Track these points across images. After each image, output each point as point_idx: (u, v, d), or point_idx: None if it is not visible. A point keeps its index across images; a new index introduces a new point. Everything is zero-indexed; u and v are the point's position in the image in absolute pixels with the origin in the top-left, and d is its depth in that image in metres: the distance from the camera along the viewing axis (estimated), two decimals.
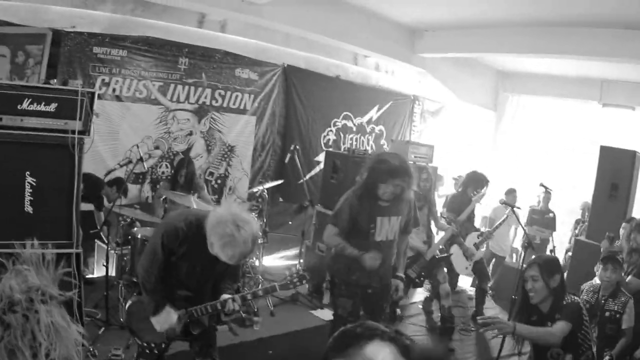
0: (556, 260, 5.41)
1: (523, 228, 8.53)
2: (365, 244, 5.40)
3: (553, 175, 12.67)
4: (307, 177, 10.21)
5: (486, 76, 14.05)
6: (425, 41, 11.20)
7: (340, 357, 1.96)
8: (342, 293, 5.62)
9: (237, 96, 10.04)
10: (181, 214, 4.56)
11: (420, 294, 9.43)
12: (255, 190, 9.39)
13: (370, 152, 11.40)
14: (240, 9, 8.53)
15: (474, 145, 14.64)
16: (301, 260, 9.51)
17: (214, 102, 9.76)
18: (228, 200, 9.98)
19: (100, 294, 6.87)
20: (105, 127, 8.37)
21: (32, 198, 6.02)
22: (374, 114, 12.80)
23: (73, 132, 6.17)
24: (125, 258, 7.30)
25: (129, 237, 7.30)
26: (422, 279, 7.59)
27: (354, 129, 12.43)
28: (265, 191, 9.00)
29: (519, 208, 8.19)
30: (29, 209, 6.03)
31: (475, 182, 8.61)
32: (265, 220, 8.96)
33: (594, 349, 5.30)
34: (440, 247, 7.99)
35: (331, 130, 11.93)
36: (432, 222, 7.97)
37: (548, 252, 9.69)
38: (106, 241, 7.37)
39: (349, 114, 12.24)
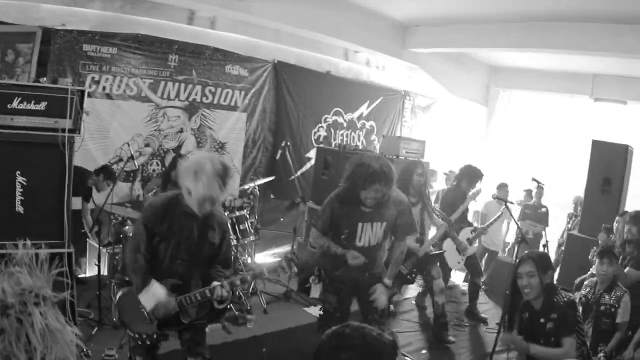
0: (548, 256, 5.41)
1: (516, 223, 8.52)
2: (347, 246, 5.37)
3: (545, 169, 12.67)
4: (298, 173, 10.19)
5: (477, 71, 14.03)
6: (416, 36, 11.17)
7: None
8: (327, 288, 5.63)
9: (227, 93, 10.01)
10: (161, 195, 4.61)
11: (413, 290, 9.42)
12: (246, 187, 9.36)
13: (361, 147, 11.39)
14: (230, 5, 8.49)
15: (465, 140, 14.64)
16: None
17: (204, 99, 9.72)
18: None
19: (93, 293, 6.84)
20: (96, 125, 8.32)
21: (22, 198, 5.99)
22: (364, 109, 12.78)
23: (63, 130, 6.13)
24: (117, 257, 7.28)
25: (121, 235, 7.27)
26: (414, 275, 7.56)
27: (345, 124, 12.41)
28: (257, 188, 8.98)
29: (512, 203, 8.18)
30: (19, 208, 6.00)
31: (469, 176, 8.60)
32: (257, 217, 8.94)
33: (588, 344, 5.31)
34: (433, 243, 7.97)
35: (322, 126, 11.91)
36: (426, 219, 7.90)
37: (541, 247, 9.69)
38: (93, 239, 7.36)
39: (340, 109, 12.22)
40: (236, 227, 8.04)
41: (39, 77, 6.95)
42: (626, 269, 6.55)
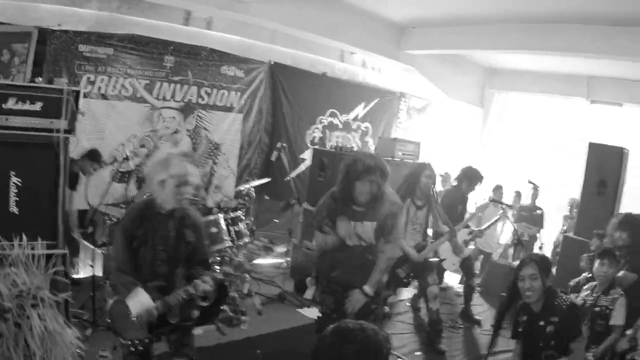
0: (548, 258, 5.39)
1: (513, 225, 8.52)
2: (340, 247, 5.37)
3: (541, 172, 12.70)
4: (294, 174, 10.18)
5: (473, 73, 14.05)
6: (412, 38, 11.19)
7: None
8: (325, 290, 5.59)
9: (223, 94, 10.00)
10: (137, 202, 4.68)
11: (408, 292, 9.39)
12: (242, 188, 9.35)
13: (356, 149, 11.39)
14: (226, 6, 8.49)
15: (460, 142, 14.65)
16: (288, 259, 9.47)
17: (200, 100, 9.71)
18: None
19: (87, 294, 6.80)
20: (91, 126, 8.31)
21: (17, 198, 5.95)
22: (360, 111, 12.78)
23: (58, 131, 6.11)
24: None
25: None
26: (409, 279, 7.54)
27: (340, 126, 12.41)
28: (252, 189, 8.96)
29: (509, 206, 8.18)
30: (14, 209, 5.97)
31: (470, 178, 8.57)
32: (252, 219, 8.92)
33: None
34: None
35: (317, 128, 11.91)
36: (430, 223, 7.81)
37: (536, 249, 9.71)
38: (76, 232, 7.35)
39: (335, 111, 12.22)
40: (231, 228, 8.02)
41: (34, 78, 6.95)
42: (620, 273, 6.54)
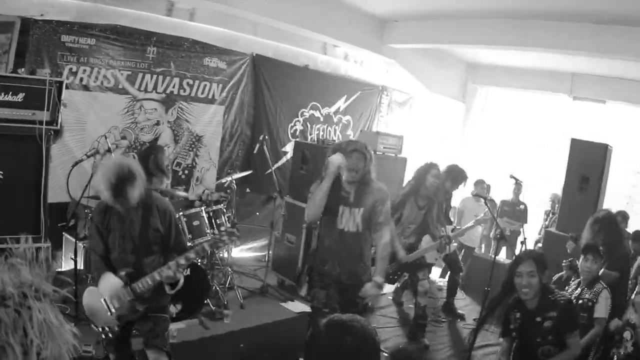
0: (545, 255, 5.39)
1: (496, 220, 8.52)
2: (331, 231, 5.50)
3: (523, 167, 12.77)
4: (274, 167, 10.14)
5: (455, 67, 14.07)
6: (395, 32, 11.17)
7: None
8: (316, 284, 5.62)
9: (205, 85, 9.92)
10: None
11: (390, 286, 9.40)
12: (223, 181, 9.30)
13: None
14: None
15: (442, 136, 14.66)
16: (270, 252, 9.45)
17: (181, 92, 9.63)
18: None
19: (69, 288, 6.76)
20: (73, 117, 8.21)
21: None
22: (341, 104, 12.74)
23: (41, 122, 6.05)
24: None
25: None
26: (397, 276, 7.55)
27: (321, 119, 12.37)
28: (234, 182, 8.91)
29: (492, 200, 8.17)
30: None
31: (454, 177, 8.59)
32: (233, 212, 8.88)
33: None
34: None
35: (298, 121, 11.86)
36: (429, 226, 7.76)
37: (519, 244, 9.73)
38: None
39: (317, 104, 12.18)
40: (213, 221, 7.99)
41: (16, 69, 6.86)
42: (601, 272, 6.57)
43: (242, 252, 10.81)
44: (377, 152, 9.70)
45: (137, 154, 8.75)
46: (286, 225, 9.45)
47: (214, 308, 7.62)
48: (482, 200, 8.88)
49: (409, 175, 10.12)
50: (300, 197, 9.19)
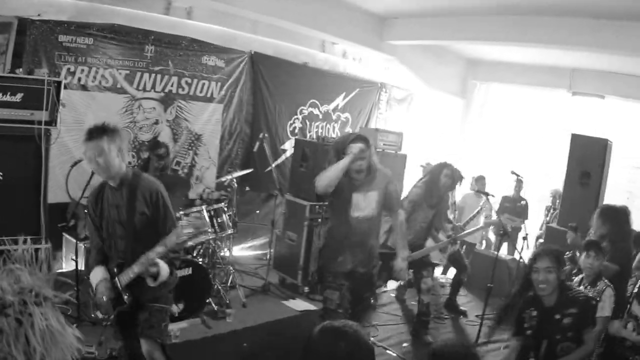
0: (563, 252, 5.36)
1: (498, 217, 8.50)
2: (344, 220, 5.50)
3: (524, 163, 12.74)
4: (273, 165, 10.11)
5: (455, 64, 14.04)
6: (394, 28, 11.14)
7: None
8: (329, 285, 5.58)
9: (203, 84, 9.88)
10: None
11: (392, 282, 9.38)
12: (223, 179, 9.27)
13: None
14: None
15: (442, 133, 14.64)
16: (271, 250, 9.42)
17: (180, 90, 9.59)
18: None
19: (70, 288, 6.72)
20: (71, 117, 8.16)
21: None
22: (340, 101, 12.71)
23: (39, 122, 6.02)
24: None
25: None
26: None
27: (320, 116, 12.34)
28: (235, 180, 8.88)
29: (493, 196, 8.14)
30: None
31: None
32: (234, 210, 8.86)
33: None
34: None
35: (297, 118, 11.83)
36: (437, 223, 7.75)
37: (520, 240, 9.72)
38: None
39: (316, 101, 12.14)
40: (214, 220, 7.96)
41: (14, 69, 6.83)
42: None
43: (242, 250, 10.80)
44: (377, 149, 9.66)
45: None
46: (287, 223, 9.44)
47: (216, 307, 7.60)
48: (483, 197, 8.85)
49: (408, 172, 10.14)
50: (300, 195, 9.18)
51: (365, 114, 13.43)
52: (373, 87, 13.49)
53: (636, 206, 11.11)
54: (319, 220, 9.01)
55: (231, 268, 8.67)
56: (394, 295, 9.26)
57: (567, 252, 7.38)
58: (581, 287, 6.07)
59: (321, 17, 9.95)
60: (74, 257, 6.77)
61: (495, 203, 9.94)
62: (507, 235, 7.50)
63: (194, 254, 7.82)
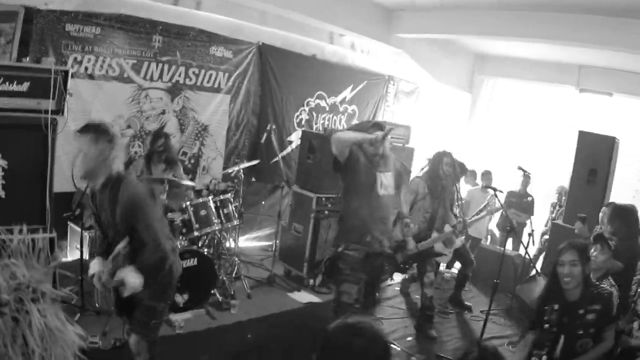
0: (588, 246, 5.35)
1: (505, 211, 8.48)
2: (371, 198, 5.59)
3: (530, 158, 12.69)
4: (279, 156, 10.10)
5: (463, 58, 13.99)
6: (403, 21, 11.10)
7: None
8: (347, 278, 5.54)
9: (211, 74, 9.86)
10: None
11: (397, 276, 9.36)
12: (230, 170, 9.26)
13: None
14: None
15: (449, 126, 14.60)
16: (277, 241, 9.41)
17: (187, 81, 9.57)
18: None
19: (75, 278, 6.72)
20: (78, 107, 8.13)
21: (3, 182, 5.88)
22: (347, 93, 12.68)
23: (46, 111, 6.01)
24: None
25: None
26: (407, 265, 7.49)
27: (327, 108, 12.31)
28: (242, 171, 8.87)
29: (501, 192, 8.11)
30: (0, 193, 5.88)
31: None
32: (241, 201, 8.85)
33: None
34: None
35: (304, 110, 11.80)
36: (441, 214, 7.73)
37: (526, 236, 9.70)
38: None
39: (323, 93, 12.11)
40: (220, 211, 7.96)
41: (21, 58, 6.82)
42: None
43: (247, 241, 10.80)
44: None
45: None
46: (293, 214, 9.43)
47: (220, 298, 7.60)
48: (488, 191, 8.82)
49: (415, 166, 10.10)
50: (307, 187, 9.16)
51: (372, 106, 13.39)
52: (381, 79, 13.45)
53: None
54: (326, 212, 8.99)
55: (236, 259, 8.68)
56: (398, 288, 9.24)
57: None
58: None
59: (330, 9, 9.92)
60: (78, 246, 6.78)
61: (501, 198, 9.91)
62: (514, 231, 7.47)
63: (200, 245, 7.83)
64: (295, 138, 11.46)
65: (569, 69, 12.52)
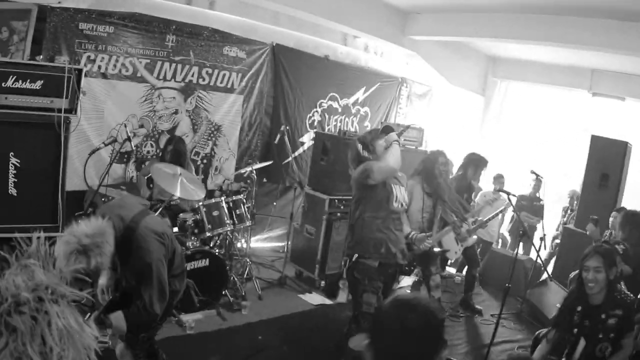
0: (614, 251, 5.35)
1: (517, 215, 8.44)
2: (387, 211, 5.62)
3: (542, 162, 12.63)
4: (291, 157, 10.09)
5: (476, 60, 13.93)
6: (417, 24, 11.06)
7: None
8: (366, 288, 5.55)
9: (224, 75, 9.86)
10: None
11: (408, 279, 9.33)
12: (242, 171, 9.24)
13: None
14: None
15: (461, 129, 14.55)
16: (289, 243, 9.41)
17: (200, 81, 9.56)
18: None
19: (89, 284, 6.71)
20: (91, 105, 8.16)
21: (16, 180, 5.88)
22: (360, 95, 12.65)
23: (59, 110, 6.01)
24: None
25: None
26: (412, 267, 7.45)
27: (339, 110, 12.29)
28: (254, 172, 8.86)
29: (514, 195, 8.07)
30: (12, 191, 5.88)
31: (475, 164, 8.49)
32: (253, 202, 8.85)
33: None
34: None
35: (316, 111, 11.78)
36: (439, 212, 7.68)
37: (538, 240, 9.64)
38: None
39: (336, 94, 12.09)
40: (233, 212, 7.97)
41: (33, 56, 6.81)
42: None
43: (259, 242, 10.79)
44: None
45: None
46: (305, 216, 9.42)
47: (231, 299, 7.60)
48: (500, 195, 8.77)
49: None
50: (320, 188, 9.14)
51: (384, 108, 13.36)
52: (394, 81, 13.42)
53: None
54: (338, 214, 8.97)
55: (248, 260, 8.67)
56: (409, 292, 9.20)
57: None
58: None
59: (343, 10, 9.88)
60: None
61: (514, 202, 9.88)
62: (527, 235, 7.42)
63: (211, 245, 7.82)
64: (307, 139, 11.44)
65: (581, 73, 12.45)
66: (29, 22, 7.38)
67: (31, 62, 6.15)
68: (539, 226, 10.70)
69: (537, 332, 6.46)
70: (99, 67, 8.23)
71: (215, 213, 7.61)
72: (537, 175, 10.74)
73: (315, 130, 11.11)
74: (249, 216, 8.24)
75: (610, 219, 7.87)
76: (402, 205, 5.78)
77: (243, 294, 7.84)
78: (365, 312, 5.49)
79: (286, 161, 10.43)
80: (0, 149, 5.74)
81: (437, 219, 7.49)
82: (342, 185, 8.57)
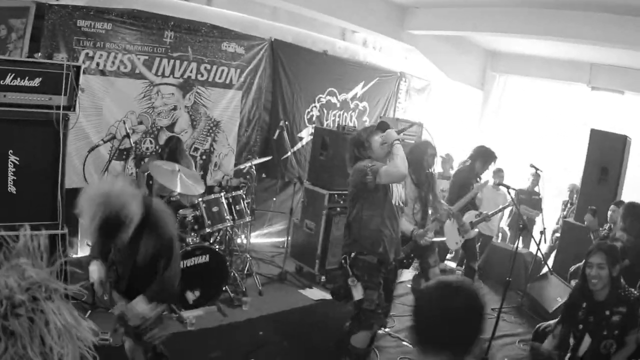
0: (617, 248, 5.36)
1: (518, 209, 8.45)
2: (386, 209, 5.56)
3: (542, 156, 12.62)
4: (290, 153, 10.09)
5: (474, 55, 13.92)
6: (415, 18, 11.04)
7: None
8: (367, 285, 5.50)
9: (223, 70, 9.85)
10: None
11: (408, 273, 9.31)
12: (242, 166, 9.24)
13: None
14: None
15: (460, 123, 14.54)
16: (288, 238, 9.41)
17: (199, 77, 9.56)
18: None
19: (86, 274, 6.70)
20: (89, 102, 8.16)
21: (15, 177, 5.87)
22: (359, 90, 12.65)
23: (58, 107, 5.99)
24: None
25: None
26: (410, 260, 7.44)
27: (338, 105, 12.28)
28: (253, 168, 8.86)
29: (514, 189, 8.05)
30: (12, 189, 5.88)
31: (484, 157, 8.48)
32: (253, 198, 8.85)
33: None
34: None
35: (315, 106, 11.77)
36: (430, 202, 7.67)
37: (538, 233, 9.64)
38: None
39: (334, 89, 12.08)
40: (232, 207, 7.95)
41: (32, 53, 6.81)
42: None
43: (258, 237, 10.79)
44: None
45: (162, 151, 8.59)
46: (305, 211, 9.42)
47: (232, 295, 7.60)
48: (500, 189, 8.77)
49: None
50: (319, 183, 9.14)
51: (383, 103, 13.36)
52: (392, 76, 13.42)
53: None
54: (338, 209, 8.97)
55: (248, 256, 8.66)
56: (410, 286, 9.20)
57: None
58: None
59: (342, 5, 9.87)
60: (89, 243, 6.76)
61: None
62: (527, 228, 7.42)
63: (211, 241, 7.82)
64: (305, 134, 11.45)
65: (580, 66, 12.45)
66: (27, 20, 7.38)
67: (29, 59, 6.14)
68: (538, 220, 10.70)
69: (538, 326, 6.49)
70: (98, 64, 8.23)
71: (214, 209, 7.60)
72: (537, 169, 10.73)
73: (314, 125, 11.10)
74: (248, 212, 8.23)
75: (609, 212, 7.88)
76: (400, 203, 5.76)
77: (243, 289, 7.84)
78: (366, 309, 5.46)
79: (285, 156, 10.43)
80: None
81: (431, 208, 7.49)
82: (341, 180, 8.53)
